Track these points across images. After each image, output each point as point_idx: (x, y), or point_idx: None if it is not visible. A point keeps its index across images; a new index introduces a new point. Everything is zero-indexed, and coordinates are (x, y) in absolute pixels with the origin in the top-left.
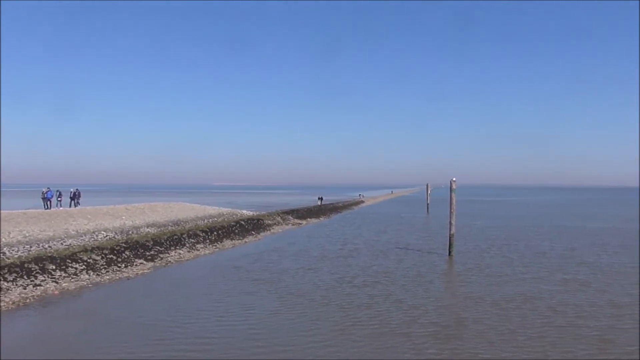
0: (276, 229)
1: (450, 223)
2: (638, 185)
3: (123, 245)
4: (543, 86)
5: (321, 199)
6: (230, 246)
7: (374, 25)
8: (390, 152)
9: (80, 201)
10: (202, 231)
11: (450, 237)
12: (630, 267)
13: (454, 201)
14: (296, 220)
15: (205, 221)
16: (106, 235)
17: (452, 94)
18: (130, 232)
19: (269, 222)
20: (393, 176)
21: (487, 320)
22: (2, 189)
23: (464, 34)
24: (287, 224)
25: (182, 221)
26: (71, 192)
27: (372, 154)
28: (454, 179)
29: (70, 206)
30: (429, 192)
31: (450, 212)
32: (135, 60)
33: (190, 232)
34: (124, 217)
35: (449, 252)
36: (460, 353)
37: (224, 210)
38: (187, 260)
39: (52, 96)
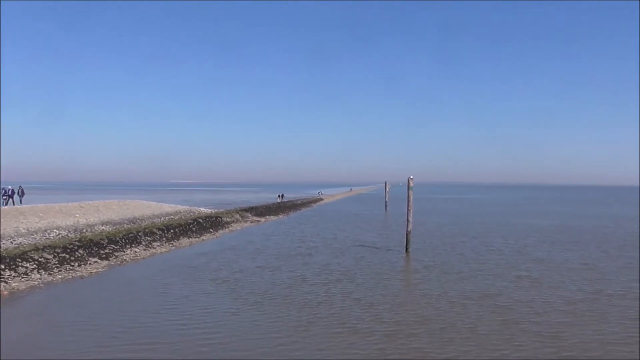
0: (235, 227)
1: (408, 220)
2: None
3: (76, 243)
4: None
5: (281, 196)
6: (188, 244)
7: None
8: (350, 151)
9: (23, 199)
10: (159, 229)
11: (407, 235)
12: (579, 263)
13: (411, 199)
14: (255, 218)
15: (162, 219)
16: (59, 234)
17: (403, 92)
18: (84, 230)
19: (228, 219)
20: (352, 174)
21: (444, 317)
22: None
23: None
24: (245, 222)
25: (138, 219)
26: (9, 190)
27: (333, 153)
28: (412, 176)
29: (6, 204)
30: (387, 190)
31: (408, 210)
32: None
33: (147, 230)
34: (77, 215)
35: (406, 249)
36: (418, 351)
37: (181, 207)
38: (143, 258)
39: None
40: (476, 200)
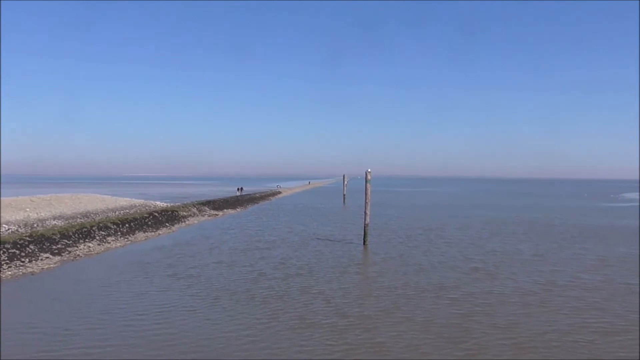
0: (191, 221)
1: (365, 213)
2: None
3: (27, 238)
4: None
5: (241, 189)
6: (143, 238)
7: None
8: (309, 144)
9: None
10: (114, 223)
11: (365, 227)
12: (530, 255)
13: (368, 192)
14: (212, 212)
15: (117, 213)
16: (8, 229)
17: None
18: (35, 225)
19: (184, 213)
20: (311, 167)
21: (404, 309)
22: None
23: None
24: (203, 216)
25: (92, 213)
26: None
27: (291, 145)
28: (369, 170)
29: None
30: (345, 183)
31: (365, 203)
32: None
33: (101, 225)
34: (28, 209)
35: (364, 242)
36: (378, 343)
37: (137, 201)
38: (98, 253)
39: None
40: (435, 193)
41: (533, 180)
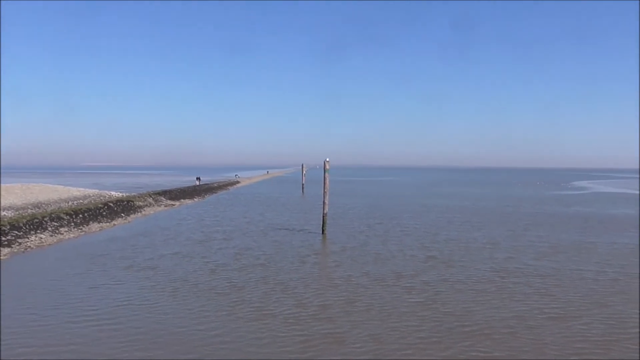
0: (148, 211)
1: (324, 202)
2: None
3: None
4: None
5: (199, 179)
6: (98, 229)
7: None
8: (267, 133)
9: None
10: (67, 214)
11: (323, 217)
12: (485, 242)
13: (327, 181)
14: (169, 202)
15: (70, 203)
16: None
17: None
18: None
19: (140, 203)
20: (269, 157)
21: (363, 299)
22: None
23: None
24: (159, 206)
25: (44, 204)
26: None
27: (249, 135)
28: (328, 159)
29: None
30: (304, 172)
31: (324, 192)
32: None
33: (53, 215)
34: None
35: (323, 231)
36: (338, 333)
37: (91, 191)
38: (50, 245)
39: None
40: (393, 183)
41: (493, 169)
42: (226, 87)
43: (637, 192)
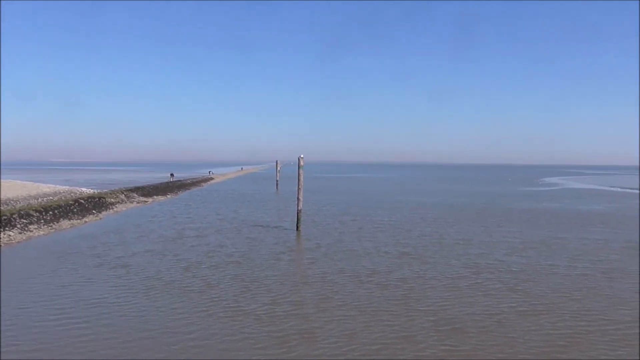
0: (120, 208)
1: (298, 199)
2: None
3: None
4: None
5: (173, 175)
6: (69, 226)
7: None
8: (242, 130)
9: None
10: (36, 211)
11: (298, 213)
12: (458, 239)
13: (301, 178)
14: (142, 198)
15: (40, 200)
16: None
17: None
18: None
19: (112, 200)
20: (244, 153)
21: (340, 295)
22: None
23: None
24: (131, 202)
25: (12, 200)
26: None
27: (223, 132)
28: (302, 155)
29: None
30: (278, 169)
31: (298, 189)
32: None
33: (22, 212)
34: None
35: (297, 228)
36: (313, 329)
37: (61, 188)
38: (19, 242)
39: None
40: (368, 179)
41: (484, 165)
42: (206, 84)
43: (605, 188)
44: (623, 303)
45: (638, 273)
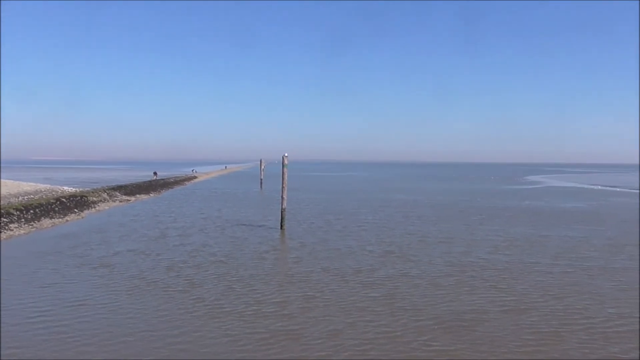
0: (102, 206)
1: (282, 198)
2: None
3: None
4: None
5: (156, 173)
6: (50, 225)
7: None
8: (225, 128)
9: None
10: (17, 209)
11: (282, 212)
12: (442, 237)
13: (285, 176)
14: (124, 197)
15: (20, 199)
16: None
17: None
18: None
19: (94, 199)
20: (228, 152)
21: (321, 295)
22: None
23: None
24: (114, 201)
25: None
26: None
27: (208, 130)
28: (286, 154)
29: None
30: (262, 167)
31: (282, 187)
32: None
33: (2, 211)
34: None
35: (281, 227)
36: (297, 329)
37: (43, 186)
38: None
39: None
40: (354, 178)
41: (462, 164)
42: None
43: (586, 185)
44: (605, 300)
45: (619, 270)
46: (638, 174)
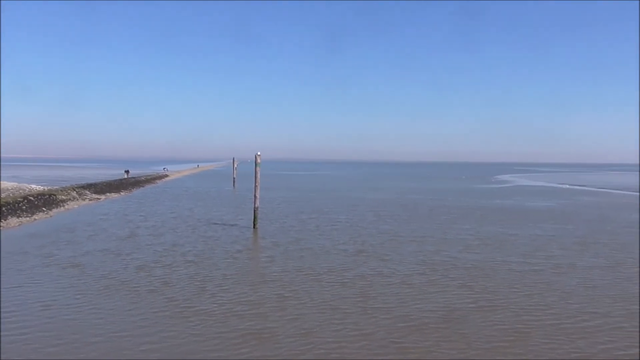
0: (71, 205)
1: (255, 197)
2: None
3: None
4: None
5: (127, 172)
6: (17, 224)
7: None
8: (200, 125)
9: None
10: None
11: (254, 211)
12: (414, 236)
13: (258, 175)
14: (94, 196)
15: None
16: None
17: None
18: None
19: (63, 197)
20: (200, 151)
21: (295, 294)
22: None
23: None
24: (83, 200)
25: None
26: None
27: (180, 129)
28: (259, 153)
29: None
30: (235, 166)
31: (255, 186)
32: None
33: None
34: None
35: (254, 226)
36: (270, 328)
37: (9, 184)
38: None
39: None
40: (326, 176)
41: (435, 163)
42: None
43: (555, 185)
44: (572, 297)
45: (586, 268)
46: (615, 173)
